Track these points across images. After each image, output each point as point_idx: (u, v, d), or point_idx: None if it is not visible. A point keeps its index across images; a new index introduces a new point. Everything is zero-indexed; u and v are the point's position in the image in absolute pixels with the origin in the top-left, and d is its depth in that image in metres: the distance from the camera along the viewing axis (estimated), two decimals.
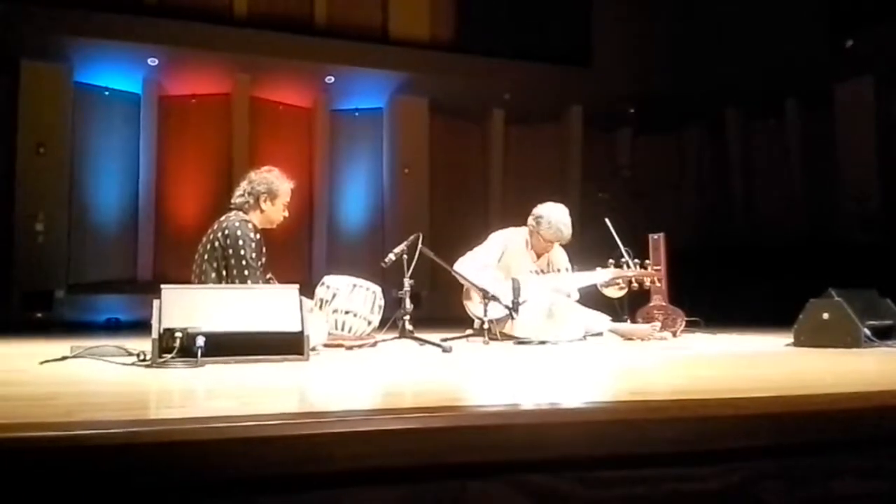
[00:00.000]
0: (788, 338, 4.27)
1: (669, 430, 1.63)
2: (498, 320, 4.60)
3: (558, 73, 11.47)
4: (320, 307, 4.31)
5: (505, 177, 12.14)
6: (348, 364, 3.32)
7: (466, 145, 12.24)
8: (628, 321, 5.18)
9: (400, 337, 4.32)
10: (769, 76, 10.64)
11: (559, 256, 5.15)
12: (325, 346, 3.91)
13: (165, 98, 10.83)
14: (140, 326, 4.82)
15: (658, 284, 5.16)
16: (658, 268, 5.11)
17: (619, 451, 1.58)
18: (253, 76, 10.67)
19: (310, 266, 11.13)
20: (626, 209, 10.07)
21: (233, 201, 4.13)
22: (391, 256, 4.50)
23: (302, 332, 3.16)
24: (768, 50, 10.50)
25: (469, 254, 5.00)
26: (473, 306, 4.84)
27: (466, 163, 12.19)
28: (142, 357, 3.04)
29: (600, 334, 4.83)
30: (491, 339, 4.43)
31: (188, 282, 3.94)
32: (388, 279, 4.87)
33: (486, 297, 4.50)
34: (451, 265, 4.80)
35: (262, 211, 4.10)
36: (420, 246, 4.48)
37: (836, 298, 4.09)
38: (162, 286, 3.14)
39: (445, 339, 4.26)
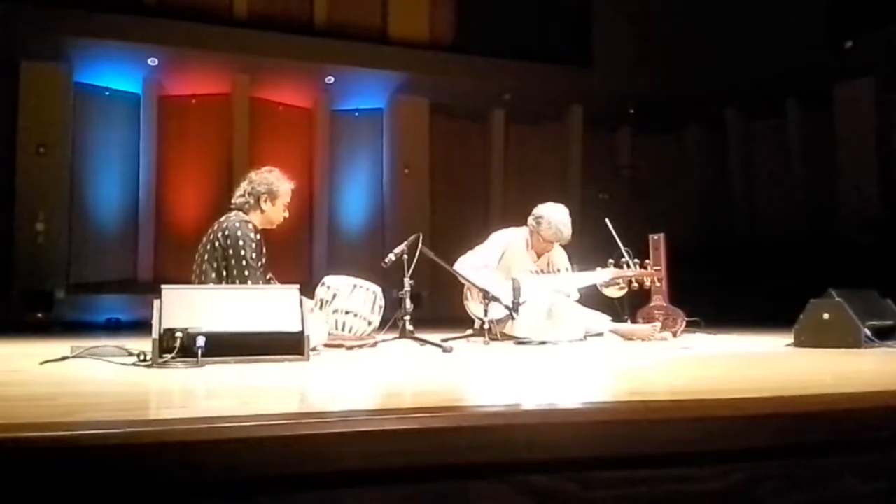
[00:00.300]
0: (789, 338, 4.27)
1: (670, 430, 1.63)
2: (498, 320, 4.59)
3: (558, 73, 11.46)
4: (320, 307, 4.30)
5: (505, 177, 12.14)
6: (349, 364, 3.32)
7: (467, 145, 12.24)
8: (629, 321, 5.18)
9: (400, 337, 4.32)
10: (769, 76, 10.65)
11: (559, 257, 5.15)
12: (326, 346, 3.91)
13: (165, 98, 10.83)
14: (140, 326, 4.83)
15: (658, 284, 5.16)
16: (658, 268, 5.11)
17: (619, 452, 1.58)
18: (253, 76, 10.67)
19: (310, 266, 11.12)
20: (627, 209, 10.07)
21: (233, 201, 4.13)
22: (391, 257, 4.50)
23: (302, 333, 3.16)
24: (769, 50, 10.51)
25: (469, 253, 5.00)
26: (474, 306, 4.84)
27: (467, 163, 12.18)
28: (142, 357, 3.04)
29: (601, 335, 4.83)
30: (491, 339, 4.43)
31: (188, 282, 3.94)
32: (388, 279, 4.87)
33: (487, 297, 4.49)
34: (452, 265, 4.80)
35: (262, 211, 4.10)
36: (420, 246, 4.48)
37: (837, 299, 4.09)
38: (162, 286, 3.14)
39: (446, 340, 4.26)
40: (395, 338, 4.33)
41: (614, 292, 5.03)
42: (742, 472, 1.64)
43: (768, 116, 11.66)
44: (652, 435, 1.62)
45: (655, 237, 5.34)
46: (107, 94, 10.66)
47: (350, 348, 4.02)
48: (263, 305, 3.26)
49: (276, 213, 4.14)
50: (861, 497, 1.73)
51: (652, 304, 5.25)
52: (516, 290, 4.57)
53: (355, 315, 4.32)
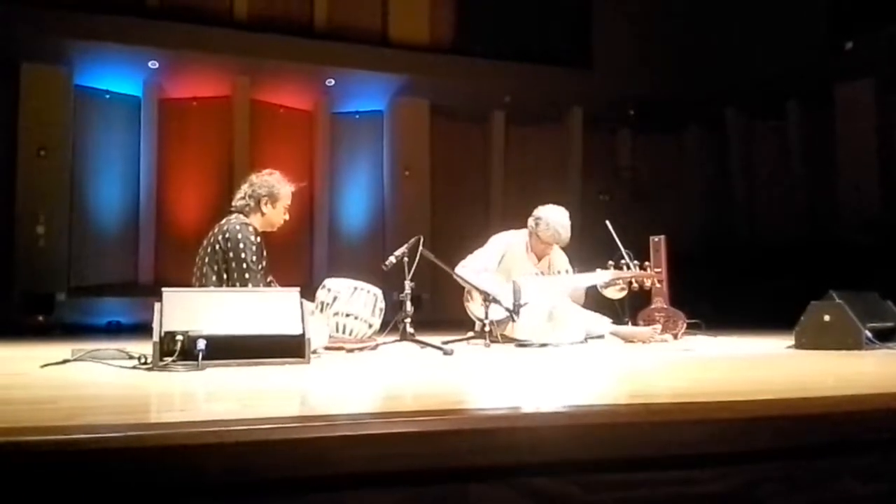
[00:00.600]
0: (790, 340, 4.26)
1: (671, 432, 1.63)
2: (499, 323, 4.59)
3: (559, 75, 11.47)
4: (321, 310, 4.30)
5: (506, 178, 12.14)
6: (349, 367, 3.32)
7: (467, 147, 12.25)
8: (629, 323, 5.17)
9: (401, 339, 4.31)
10: (770, 77, 10.65)
11: (559, 259, 5.14)
12: (326, 348, 3.90)
13: (166, 101, 10.84)
14: (141, 329, 4.82)
15: (659, 286, 5.16)
16: (659, 270, 5.11)
17: (620, 454, 1.58)
18: (253, 79, 10.69)
19: (311, 269, 11.13)
20: (627, 210, 10.08)
21: (234, 204, 4.13)
22: (392, 259, 4.50)
23: (303, 335, 3.16)
24: (769, 51, 10.52)
25: (469, 257, 5.00)
26: (474, 308, 4.84)
27: (467, 165, 12.19)
28: (143, 360, 3.04)
29: (601, 337, 4.82)
30: (492, 341, 4.42)
31: (189, 285, 3.94)
32: (388, 282, 4.87)
33: (488, 299, 4.49)
34: (452, 267, 4.80)
35: (263, 214, 4.10)
36: (421, 248, 4.47)
37: (838, 300, 4.08)
38: (163, 289, 3.14)
39: (446, 342, 4.25)
40: (396, 340, 4.32)
41: (614, 293, 5.02)
42: (743, 475, 1.64)
43: (769, 117, 11.66)
44: (653, 437, 1.62)
45: (656, 239, 5.33)
46: (107, 96, 10.67)
47: (351, 351, 4.02)
48: (264, 308, 3.26)
49: (276, 215, 4.14)
50: (862, 499, 1.73)
51: (652, 306, 5.25)
52: (517, 293, 4.57)
53: (356, 317, 4.32)
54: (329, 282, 4.49)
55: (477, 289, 4.65)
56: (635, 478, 1.58)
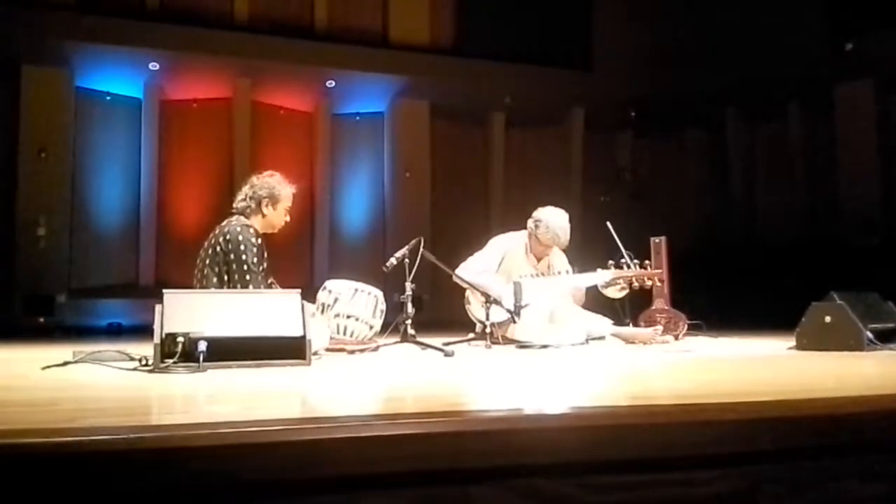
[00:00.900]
0: (791, 341, 4.26)
1: (672, 434, 1.63)
2: (500, 324, 4.59)
3: (559, 76, 11.47)
4: (322, 311, 4.30)
5: (506, 180, 12.14)
6: (350, 368, 3.32)
7: (467, 149, 12.25)
8: (630, 325, 5.17)
9: (402, 341, 4.31)
10: (770, 78, 10.65)
11: (559, 260, 5.14)
12: (327, 350, 3.90)
13: (166, 102, 10.84)
14: (142, 331, 4.82)
15: (659, 286, 5.15)
16: (660, 271, 5.11)
17: (621, 456, 1.58)
18: (254, 80, 10.69)
19: (311, 270, 11.13)
20: (628, 211, 10.07)
21: (234, 206, 4.13)
22: (393, 260, 4.50)
23: (304, 337, 3.16)
24: (769, 52, 10.51)
25: (469, 259, 5.00)
26: (475, 310, 4.84)
27: (467, 166, 12.19)
28: (144, 362, 3.04)
29: (602, 338, 4.82)
30: (493, 342, 4.43)
31: (190, 286, 3.94)
32: (389, 283, 4.87)
33: (489, 300, 4.49)
34: (453, 269, 4.80)
35: (263, 215, 4.10)
36: (422, 250, 4.48)
37: (839, 301, 4.08)
38: (164, 291, 3.14)
39: (447, 343, 4.25)
40: (397, 342, 4.33)
41: (615, 293, 5.02)
42: (744, 476, 1.64)
43: (769, 118, 11.66)
44: (654, 439, 1.62)
45: (657, 240, 5.33)
46: (108, 98, 10.67)
47: (352, 352, 4.02)
48: (265, 310, 3.26)
49: (277, 217, 4.14)
50: (863, 500, 1.73)
51: (653, 308, 5.25)
52: (518, 294, 4.57)
53: (357, 319, 4.31)
54: (330, 283, 4.49)
55: (478, 290, 4.65)
56: (636, 479, 1.58)
